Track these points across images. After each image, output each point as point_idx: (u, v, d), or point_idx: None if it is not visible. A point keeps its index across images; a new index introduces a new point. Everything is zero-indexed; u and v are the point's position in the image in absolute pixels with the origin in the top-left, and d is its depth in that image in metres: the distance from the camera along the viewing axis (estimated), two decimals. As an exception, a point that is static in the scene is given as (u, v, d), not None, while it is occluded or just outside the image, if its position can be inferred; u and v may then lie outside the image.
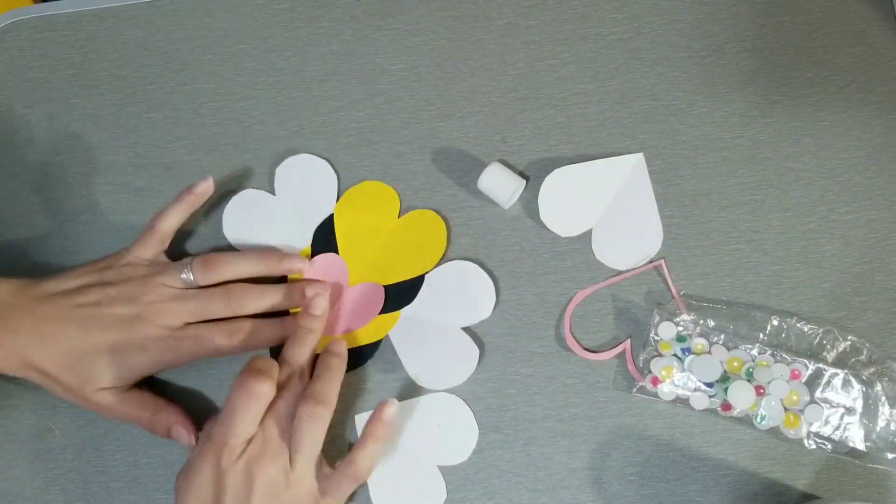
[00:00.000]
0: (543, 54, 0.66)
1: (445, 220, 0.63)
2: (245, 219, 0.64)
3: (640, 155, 0.63)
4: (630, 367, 0.59)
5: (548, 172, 0.61)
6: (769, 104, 0.63)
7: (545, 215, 0.61)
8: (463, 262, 0.62)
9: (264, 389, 0.53)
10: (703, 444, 0.58)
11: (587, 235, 0.62)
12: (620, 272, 0.61)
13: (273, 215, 0.64)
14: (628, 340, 0.59)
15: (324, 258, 0.62)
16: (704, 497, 0.57)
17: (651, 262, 0.61)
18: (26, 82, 0.68)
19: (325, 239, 0.63)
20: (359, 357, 0.61)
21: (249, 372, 0.53)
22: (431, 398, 0.60)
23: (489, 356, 0.60)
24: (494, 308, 0.61)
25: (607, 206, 0.62)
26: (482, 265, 0.62)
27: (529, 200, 0.62)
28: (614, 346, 0.59)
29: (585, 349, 0.59)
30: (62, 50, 0.69)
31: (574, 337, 0.60)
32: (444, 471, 0.59)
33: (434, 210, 0.63)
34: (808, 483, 0.57)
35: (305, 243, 0.63)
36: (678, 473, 0.58)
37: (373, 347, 0.61)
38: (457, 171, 0.64)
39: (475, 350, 0.60)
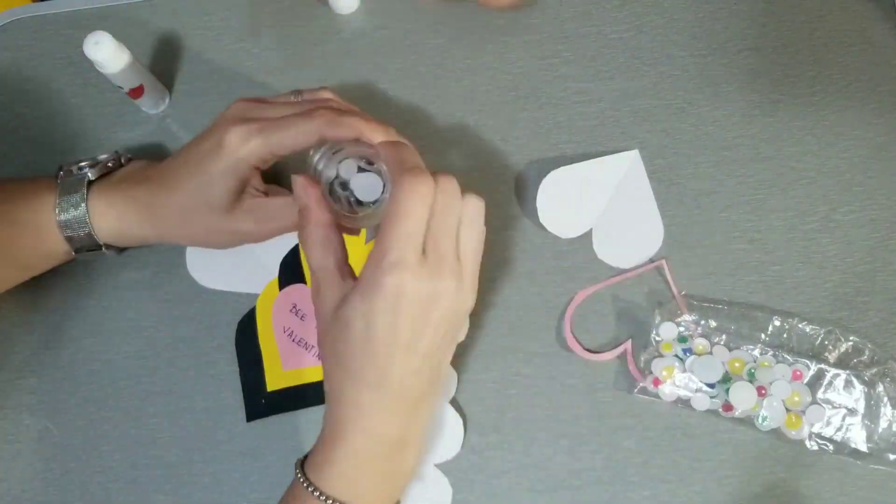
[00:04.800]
0: (544, 53, 0.65)
1: None
2: (209, 253, 0.62)
3: (636, 151, 0.62)
4: (631, 367, 0.58)
5: (546, 173, 0.61)
6: (771, 103, 0.63)
7: (544, 218, 0.61)
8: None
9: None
10: (704, 446, 0.58)
11: (587, 235, 0.62)
12: (621, 272, 0.61)
13: (239, 247, 0.61)
14: (629, 341, 0.59)
15: (292, 289, 0.62)
16: (705, 498, 0.57)
17: (652, 261, 0.60)
18: (25, 81, 0.68)
19: (291, 269, 0.62)
20: None
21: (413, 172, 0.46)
22: None
23: (489, 356, 0.60)
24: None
25: (606, 204, 0.62)
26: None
27: (528, 202, 0.62)
28: (615, 347, 0.59)
29: (586, 349, 0.59)
30: (61, 49, 0.68)
31: (575, 337, 0.59)
32: (446, 470, 0.58)
33: None
34: (810, 485, 0.56)
35: (272, 275, 0.62)
36: (679, 474, 0.57)
37: None
38: (457, 171, 0.64)
39: (453, 373, 0.59)
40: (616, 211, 0.61)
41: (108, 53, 0.58)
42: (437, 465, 0.58)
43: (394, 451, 0.50)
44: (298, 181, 0.49)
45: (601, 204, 0.62)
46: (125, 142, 0.66)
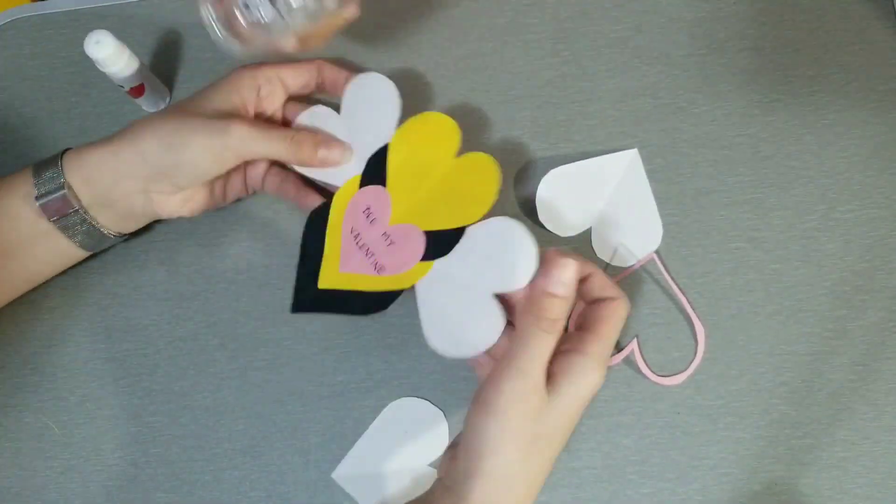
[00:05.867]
0: (543, 52, 0.66)
1: (500, 168, 0.56)
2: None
3: (635, 151, 0.62)
4: (642, 367, 0.58)
5: (546, 172, 0.61)
6: (770, 102, 0.63)
7: (543, 217, 0.61)
8: (508, 220, 0.53)
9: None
10: (703, 444, 0.58)
11: (586, 234, 0.62)
12: (617, 272, 0.61)
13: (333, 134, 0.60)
14: (635, 341, 0.59)
15: (370, 190, 0.58)
16: (704, 496, 0.57)
17: (640, 260, 0.61)
18: (26, 81, 0.68)
19: (375, 169, 0.58)
20: (377, 302, 0.56)
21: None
22: (394, 406, 0.60)
23: (489, 355, 0.60)
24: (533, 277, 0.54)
25: (605, 203, 0.62)
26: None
27: (528, 201, 0.62)
28: (621, 350, 0.59)
29: None
30: (61, 48, 0.68)
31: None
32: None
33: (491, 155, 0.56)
34: (809, 483, 0.57)
35: (357, 171, 0.59)
36: (678, 472, 0.57)
37: (394, 295, 0.55)
38: (456, 169, 0.64)
39: (500, 320, 0.53)
40: (615, 210, 0.62)
41: (108, 52, 0.58)
42: (436, 465, 0.59)
43: None
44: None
45: (600, 203, 0.62)
46: (125, 141, 0.66)
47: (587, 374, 0.49)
